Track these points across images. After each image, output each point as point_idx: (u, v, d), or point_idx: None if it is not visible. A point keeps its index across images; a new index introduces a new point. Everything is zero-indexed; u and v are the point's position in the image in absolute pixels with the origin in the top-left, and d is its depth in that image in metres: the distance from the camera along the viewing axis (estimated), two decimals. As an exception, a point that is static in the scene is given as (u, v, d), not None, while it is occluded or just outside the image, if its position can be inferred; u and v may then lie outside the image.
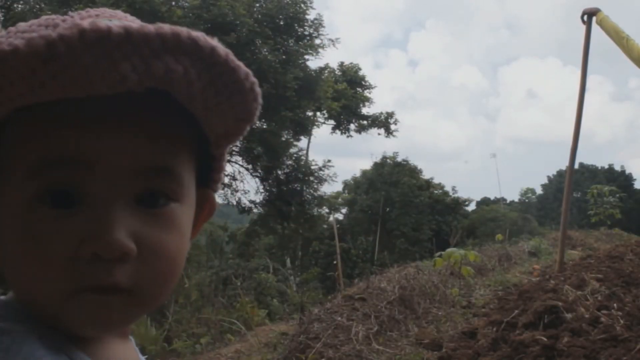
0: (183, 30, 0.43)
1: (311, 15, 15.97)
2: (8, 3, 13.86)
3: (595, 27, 5.27)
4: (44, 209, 0.45)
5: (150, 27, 0.42)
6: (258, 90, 0.48)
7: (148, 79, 0.43)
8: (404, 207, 26.88)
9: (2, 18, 13.42)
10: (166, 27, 0.42)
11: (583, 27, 5.35)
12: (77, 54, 0.40)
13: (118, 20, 0.45)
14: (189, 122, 0.49)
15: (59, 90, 0.41)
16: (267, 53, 14.32)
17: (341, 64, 24.92)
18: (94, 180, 0.45)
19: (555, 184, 43.68)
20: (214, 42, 0.45)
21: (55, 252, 0.44)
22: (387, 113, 25.00)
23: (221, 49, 0.46)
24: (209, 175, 0.56)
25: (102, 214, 0.45)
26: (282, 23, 15.36)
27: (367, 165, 40.03)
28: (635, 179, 40.11)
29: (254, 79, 0.48)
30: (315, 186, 18.30)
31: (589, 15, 5.25)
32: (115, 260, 0.45)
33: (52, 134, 0.44)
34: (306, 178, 17.82)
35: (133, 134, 0.46)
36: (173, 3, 14.38)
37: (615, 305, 3.55)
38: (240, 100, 0.48)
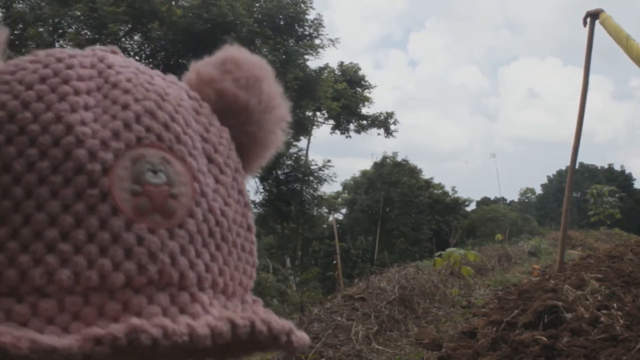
0: (244, 333, 0.35)
1: (311, 15, 15.99)
2: (8, 2, 13.85)
3: (596, 27, 5.25)
4: None
5: (207, 334, 0.33)
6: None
7: None
8: (404, 207, 26.89)
9: (1, 17, 13.40)
10: (225, 330, 0.34)
11: (584, 27, 5.33)
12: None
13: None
14: None
15: None
16: (267, 53, 14.31)
17: (341, 64, 24.94)
18: None
19: (555, 184, 43.70)
20: (281, 325, 0.37)
21: None
22: (387, 113, 25.03)
23: (283, 336, 0.37)
24: None
25: None
26: (282, 23, 15.37)
27: (367, 165, 40.08)
28: (635, 179, 40.15)
29: (306, 345, 0.41)
30: (315, 186, 18.31)
31: (592, 16, 5.21)
32: None
33: None
34: (306, 178, 17.82)
35: None
36: (173, 3, 14.38)
37: (615, 305, 3.55)
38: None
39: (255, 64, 0.47)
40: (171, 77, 0.44)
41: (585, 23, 5.30)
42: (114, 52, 0.44)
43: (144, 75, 0.42)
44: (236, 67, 0.46)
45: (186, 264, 0.37)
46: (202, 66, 0.47)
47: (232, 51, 0.48)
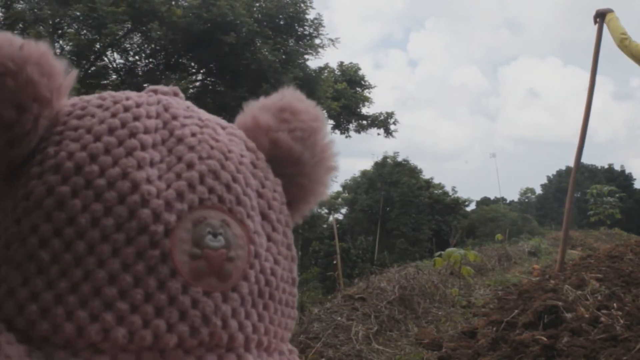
0: None
1: (311, 15, 15.99)
2: (8, 2, 13.85)
3: (596, 28, 5.25)
4: None
5: None
6: None
7: None
8: (404, 207, 26.89)
9: (1, 17, 13.40)
10: None
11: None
12: None
13: None
14: None
15: None
16: (267, 53, 14.32)
17: (341, 64, 24.93)
18: None
19: (555, 184, 43.69)
20: None
21: None
22: (387, 113, 25.01)
23: None
24: None
25: None
26: (282, 23, 15.37)
27: (367, 165, 40.08)
28: (635, 179, 40.14)
29: None
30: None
31: (601, 16, 5.19)
32: None
33: None
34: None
35: None
36: (173, 3, 14.37)
37: (615, 305, 3.55)
38: None
39: (311, 113, 0.48)
40: (231, 128, 0.44)
41: (595, 21, 5.29)
42: (175, 94, 0.45)
43: (208, 129, 0.42)
44: (293, 117, 0.46)
45: (236, 327, 0.37)
46: (260, 112, 0.47)
47: (290, 98, 0.48)
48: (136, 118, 0.40)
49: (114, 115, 0.39)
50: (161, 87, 0.45)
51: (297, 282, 0.45)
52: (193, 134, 0.41)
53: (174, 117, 0.41)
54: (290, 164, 0.46)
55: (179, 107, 0.43)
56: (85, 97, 0.42)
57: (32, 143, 0.38)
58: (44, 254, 0.34)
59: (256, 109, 0.47)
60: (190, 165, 0.38)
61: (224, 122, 0.45)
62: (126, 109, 0.40)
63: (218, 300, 0.36)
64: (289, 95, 0.48)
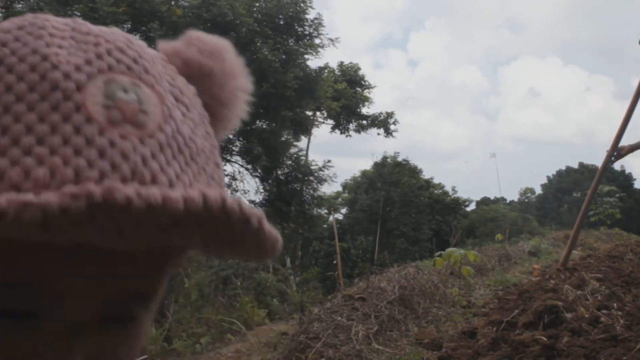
0: (216, 202, 0.35)
1: (311, 15, 15.99)
2: (8, 3, 13.85)
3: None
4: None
5: (176, 199, 0.34)
6: (278, 249, 0.41)
7: (158, 243, 0.37)
8: (404, 207, 26.89)
9: (1, 17, 13.40)
10: (196, 199, 0.34)
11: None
12: (79, 224, 0.33)
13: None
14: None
15: (44, 238, 0.34)
16: (267, 53, 14.32)
17: (341, 64, 24.94)
18: (60, 307, 0.39)
19: (555, 183, 43.68)
20: (249, 210, 0.36)
21: None
22: (387, 113, 25.03)
23: (255, 218, 0.37)
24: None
25: (60, 336, 0.40)
26: (282, 23, 15.37)
27: (367, 165, 40.07)
28: (635, 179, 40.08)
29: (279, 245, 0.40)
30: (315, 186, 18.31)
31: None
32: None
33: (21, 257, 0.38)
34: (306, 178, 17.82)
35: (110, 266, 0.40)
36: (173, 2, 14.38)
37: (615, 305, 3.55)
38: (254, 255, 0.42)
39: (218, 39, 0.50)
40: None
41: None
42: None
43: (117, 34, 0.45)
44: (200, 41, 0.49)
45: (157, 168, 0.38)
46: (167, 43, 0.49)
47: (198, 32, 0.50)
48: (45, 19, 0.43)
49: (23, 19, 0.43)
50: None
51: (221, 169, 0.46)
52: (99, 29, 0.44)
53: (82, 23, 0.44)
54: (202, 77, 0.48)
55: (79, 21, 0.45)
56: None
57: None
58: None
59: (163, 43, 0.50)
60: (96, 44, 0.41)
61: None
62: (35, 17, 0.43)
63: (136, 143, 0.38)
64: (197, 32, 0.51)
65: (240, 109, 0.52)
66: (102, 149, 0.37)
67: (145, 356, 5.93)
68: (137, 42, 0.45)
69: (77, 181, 0.35)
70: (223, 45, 0.50)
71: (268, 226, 0.38)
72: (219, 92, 0.49)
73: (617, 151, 5.53)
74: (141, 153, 0.38)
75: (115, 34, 0.44)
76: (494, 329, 3.75)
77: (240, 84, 0.51)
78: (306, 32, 15.94)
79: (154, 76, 0.42)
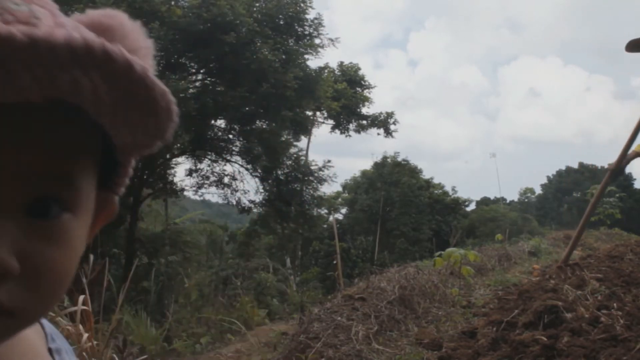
0: (96, 42, 0.38)
1: (311, 15, 15.99)
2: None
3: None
4: None
5: (60, 36, 0.37)
6: (174, 109, 0.44)
7: (51, 91, 0.39)
8: (404, 207, 26.89)
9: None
10: (78, 38, 0.37)
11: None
12: None
13: (33, 19, 0.42)
14: (94, 127, 0.45)
15: None
16: (267, 53, 14.32)
17: (341, 64, 24.95)
18: None
19: (555, 183, 43.68)
20: (131, 57, 0.40)
21: None
22: (387, 113, 25.04)
23: (138, 65, 0.40)
24: (113, 179, 0.52)
25: None
26: (282, 23, 15.37)
27: (367, 165, 40.07)
28: (635, 179, 40.06)
29: (170, 98, 0.44)
30: (315, 186, 18.30)
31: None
32: None
33: None
34: (306, 178, 17.81)
35: (27, 138, 0.41)
36: (173, 2, 14.37)
37: (615, 305, 3.55)
38: (153, 118, 0.44)
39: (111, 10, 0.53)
40: None
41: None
42: None
43: None
44: (96, 11, 0.52)
45: None
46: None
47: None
48: None
49: None
50: None
51: None
52: None
53: None
54: (103, 31, 0.49)
55: None
56: None
57: None
58: None
59: None
60: None
61: None
62: None
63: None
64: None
65: (147, 61, 0.52)
66: None
67: (146, 356, 5.93)
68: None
69: None
70: (116, 12, 0.52)
71: (154, 77, 0.41)
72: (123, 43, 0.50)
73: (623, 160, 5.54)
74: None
75: None
76: (494, 329, 3.75)
77: (140, 37, 0.52)
78: (306, 32, 15.94)
79: (52, 6, 0.44)
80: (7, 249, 0.40)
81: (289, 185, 17.64)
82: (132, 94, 0.41)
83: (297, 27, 15.70)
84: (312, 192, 18.27)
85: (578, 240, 5.56)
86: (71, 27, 0.43)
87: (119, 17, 0.51)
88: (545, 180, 47.31)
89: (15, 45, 0.36)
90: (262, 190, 17.90)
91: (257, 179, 17.83)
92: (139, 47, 0.50)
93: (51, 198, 0.43)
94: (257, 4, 15.28)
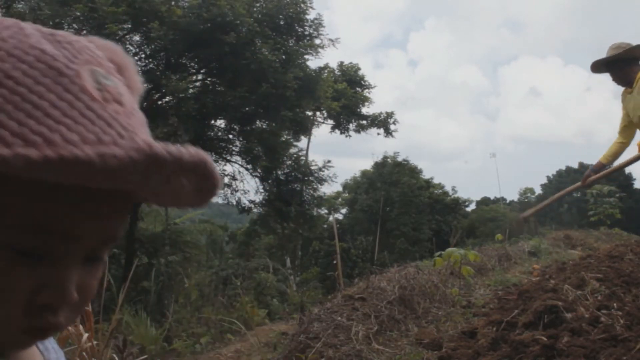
0: (206, 158, 0.48)
1: (311, 15, 15.98)
2: (8, 2, 13.85)
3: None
4: (13, 255, 0.49)
5: (187, 155, 0.47)
6: (218, 193, 0.56)
7: (144, 187, 0.49)
8: (404, 207, 26.89)
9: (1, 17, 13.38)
10: (201, 157, 0.48)
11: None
12: (132, 172, 0.45)
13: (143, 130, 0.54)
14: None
15: (91, 184, 0.46)
16: (267, 53, 14.31)
17: (341, 64, 24.94)
18: (67, 247, 0.51)
19: (555, 184, 43.65)
20: (215, 168, 0.50)
21: (16, 295, 0.50)
22: (387, 113, 25.03)
23: (218, 174, 0.51)
24: None
25: (62, 271, 0.52)
26: (282, 23, 15.36)
27: (367, 165, 40.08)
28: (635, 179, 40.05)
29: (221, 185, 0.53)
30: (315, 186, 18.30)
31: None
32: (63, 307, 0.53)
33: (43, 203, 0.48)
34: (306, 178, 17.82)
35: (107, 215, 0.52)
36: (173, 2, 14.37)
37: (615, 305, 3.55)
38: (203, 199, 0.55)
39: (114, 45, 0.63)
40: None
41: None
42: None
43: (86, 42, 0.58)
44: (109, 45, 0.61)
45: (136, 131, 0.52)
46: (95, 40, 0.61)
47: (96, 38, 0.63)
48: (15, 23, 0.53)
49: (7, 27, 0.53)
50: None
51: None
52: (61, 34, 0.55)
53: (48, 30, 0.55)
54: (121, 69, 0.60)
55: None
56: None
57: None
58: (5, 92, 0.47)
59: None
60: (69, 43, 0.54)
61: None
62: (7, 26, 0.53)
63: (127, 116, 0.51)
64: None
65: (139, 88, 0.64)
66: (108, 120, 0.49)
67: (146, 356, 5.93)
68: (83, 39, 0.57)
69: (100, 143, 0.47)
70: (121, 49, 0.63)
71: (213, 166, 0.50)
72: (131, 77, 0.61)
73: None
74: (128, 122, 0.51)
75: (68, 35, 0.55)
76: (494, 329, 3.75)
77: (134, 70, 0.63)
78: (306, 33, 15.93)
79: (109, 66, 0.56)
80: (74, 288, 0.53)
81: (289, 186, 17.64)
82: (201, 188, 0.52)
83: (297, 27, 15.70)
84: (312, 192, 18.28)
85: (547, 205, 5.74)
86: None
87: (121, 54, 0.61)
88: (545, 180, 47.35)
89: (166, 164, 0.46)
90: (262, 190, 17.91)
91: (257, 179, 17.83)
92: (135, 82, 0.61)
93: (101, 254, 0.56)
94: (257, 4, 15.27)
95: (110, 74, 0.54)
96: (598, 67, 5.32)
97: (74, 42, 0.54)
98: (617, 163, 5.79)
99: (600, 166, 5.78)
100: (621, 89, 5.37)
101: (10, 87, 0.47)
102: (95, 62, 0.53)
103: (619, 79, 5.24)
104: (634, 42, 5.11)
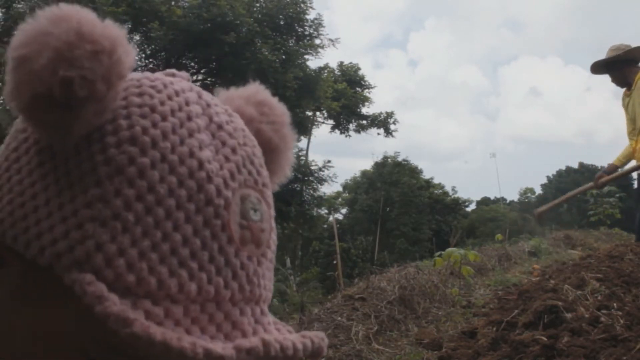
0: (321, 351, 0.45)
1: (311, 15, 16.02)
2: (8, 2, 13.84)
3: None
4: None
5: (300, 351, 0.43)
6: None
7: None
8: (404, 207, 26.90)
9: (1, 17, 13.39)
10: (305, 345, 0.44)
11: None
12: None
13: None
14: None
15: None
16: (267, 53, 14.32)
17: (341, 64, 24.95)
18: None
19: (555, 184, 43.66)
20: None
21: None
22: (387, 113, 25.06)
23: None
24: None
25: None
26: (282, 23, 15.38)
27: (367, 165, 40.09)
28: (635, 179, 40.02)
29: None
30: (315, 186, 18.31)
31: None
32: None
33: None
34: (306, 178, 17.83)
35: None
36: (173, 2, 14.38)
37: (615, 305, 3.55)
38: None
39: (283, 110, 0.56)
40: (231, 112, 0.50)
41: None
42: (188, 80, 0.50)
43: (235, 117, 0.49)
44: (271, 111, 0.55)
45: (264, 285, 0.46)
46: (240, 103, 0.54)
47: (264, 93, 0.56)
48: (187, 103, 0.45)
49: (169, 98, 0.45)
50: (178, 72, 0.50)
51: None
52: (227, 122, 0.47)
53: (208, 105, 0.47)
54: (267, 152, 0.52)
55: (208, 96, 0.49)
56: (132, 75, 0.46)
57: (109, 115, 0.43)
58: (129, 215, 0.40)
59: (235, 98, 0.54)
60: (234, 150, 0.46)
61: (225, 108, 0.50)
62: (177, 94, 0.46)
63: (256, 264, 0.44)
64: (262, 91, 0.56)
65: (285, 176, 0.57)
66: (235, 270, 0.43)
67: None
68: (245, 128, 0.49)
69: (214, 299, 0.41)
70: (287, 119, 0.56)
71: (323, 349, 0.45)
72: (276, 169, 0.55)
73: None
74: (258, 274, 0.45)
75: (240, 128, 0.48)
76: (494, 329, 3.75)
77: (291, 155, 0.57)
78: (306, 33, 15.95)
79: (267, 186, 0.48)
80: None
81: (289, 185, 17.64)
82: None
83: (297, 27, 15.71)
84: (312, 192, 18.30)
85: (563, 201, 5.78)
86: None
87: (285, 133, 0.55)
88: (545, 180, 47.36)
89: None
90: (262, 190, 17.89)
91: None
92: (282, 120, 0.55)
93: None
94: (257, 4, 15.29)
95: (261, 201, 0.46)
96: (598, 68, 5.33)
97: (237, 136, 0.47)
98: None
99: (613, 168, 5.79)
100: (621, 89, 5.38)
101: (144, 208, 0.40)
102: (251, 182, 0.46)
103: (618, 80, 5.25)
104: (634, 44, 5.12)
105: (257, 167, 0.47)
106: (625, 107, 5.39)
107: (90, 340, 0.41)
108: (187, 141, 0.43)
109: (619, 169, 5.84)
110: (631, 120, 5.42)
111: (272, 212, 0.48)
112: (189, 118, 0.44)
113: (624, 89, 5.33)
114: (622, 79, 5.22)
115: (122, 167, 0.41)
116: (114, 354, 0.40)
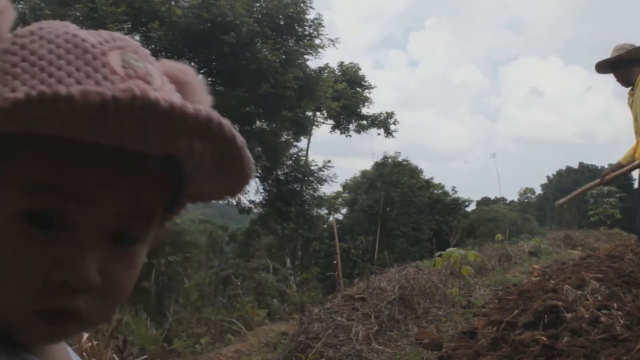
0: (214, 116, 0.46)
1: (311, 15, 16.01)
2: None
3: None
4: (25, 226, 0.47)
5: (190, 108, 0.45)
6: (252, 176, 0.53)
7: (170, 150, 0.48)
8: (404, 207, 26.90)
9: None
10: (202, 111, 0.45)
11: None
12: (122, 116, 0.43)
13: (159, 84, 0.51)
14: (177, 175, 0.54)
15: (88, 135, 0.44)
16: (267, 53, 14.32)
17: (341, 64, 24.96)
18: (82, 213, 0.48)
19: (555, 184, 43.70)
20: (234, 130, 0.48)
21: (29, 271, 0.47)
22: (387, 113, 25.05)
23: (239, 138, 0.48)
24: (172, 210, 0.59)
25: (80, 246, 0.48)
26: (282, 23, 15.37)
27: (367, 165, 40.09)
28: (635, 179, 40.01)
29: (254, 168, 0.52)
30: (315, 186, 18.31)
31: None
32: (81, 289, 0.48)
33: (55, 160, 0.47)
34: (306, 178, 17.82)
35: (130, 180, 0.49)
36: (173, 2, 14.38)
37: (615, 305, 3.55)
38: (236, 180, 0.53)
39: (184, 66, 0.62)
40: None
41: None
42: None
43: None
44: (175, 64, 0.61)
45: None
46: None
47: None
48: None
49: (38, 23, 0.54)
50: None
51: None
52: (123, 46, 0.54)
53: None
54: (180, 85, 0.60)
55: None
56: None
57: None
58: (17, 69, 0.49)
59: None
60: (108, 34, 0.54)
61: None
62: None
63: (147, 92, 0.46)
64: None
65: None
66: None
67: (146, 356, 5.93)
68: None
69: (94, 85, 0.46)
70: (191, 70, 0.62)
71: (247, 149, 0.49)
72: (192, 95, 0.59)
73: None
74: (155, 96, 0.47)
75: (114, 34, 0.55)
76: (494, 329, 3.75)
77: (204, 92, 0.61)
78: (306, 33, 15.94)
79: (147, 56, 0.54)
80: (95, 269, 0.48)
81: (289, 186, 17.65)
82: (229, 160, 0.50)
83: (297, 27, 15.71)
84: (312, 192, 18.29)
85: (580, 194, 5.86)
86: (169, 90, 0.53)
87: (190, 74, 0.60)
88: (545, 180, 47.41)
89: (158, 110, 0.43)
90: (262, 191, 17.92)
91: (257, 179, 17.83)
92: (204, 101, 0.59)
93: (131, 232, 0.52)
94: (257, 4, 15.29)
95: (144, 60, 0.52)
96: (602, 67, 5.34)
97: (117, 36, 0.54)
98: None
99: (619, 167, 5.81)
100: (624, 89, 5.41)
101: (33, 61, 0.48)
102: (130, 49, 0.53)
103: (622, 79, 5.27)
104: (638, 43, 5.12)
105: (136, 45, 0.54)
106: (630, 106, 5.41)
107: None
108: (61, 28, 0.52)
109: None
110: (635, 119, 5.45)
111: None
112: (66, 25, 0.53)
113: (628, 89, 5.35)
114: (625, 78, 5.24)
115: (8, 49, 0.50)
116: None
